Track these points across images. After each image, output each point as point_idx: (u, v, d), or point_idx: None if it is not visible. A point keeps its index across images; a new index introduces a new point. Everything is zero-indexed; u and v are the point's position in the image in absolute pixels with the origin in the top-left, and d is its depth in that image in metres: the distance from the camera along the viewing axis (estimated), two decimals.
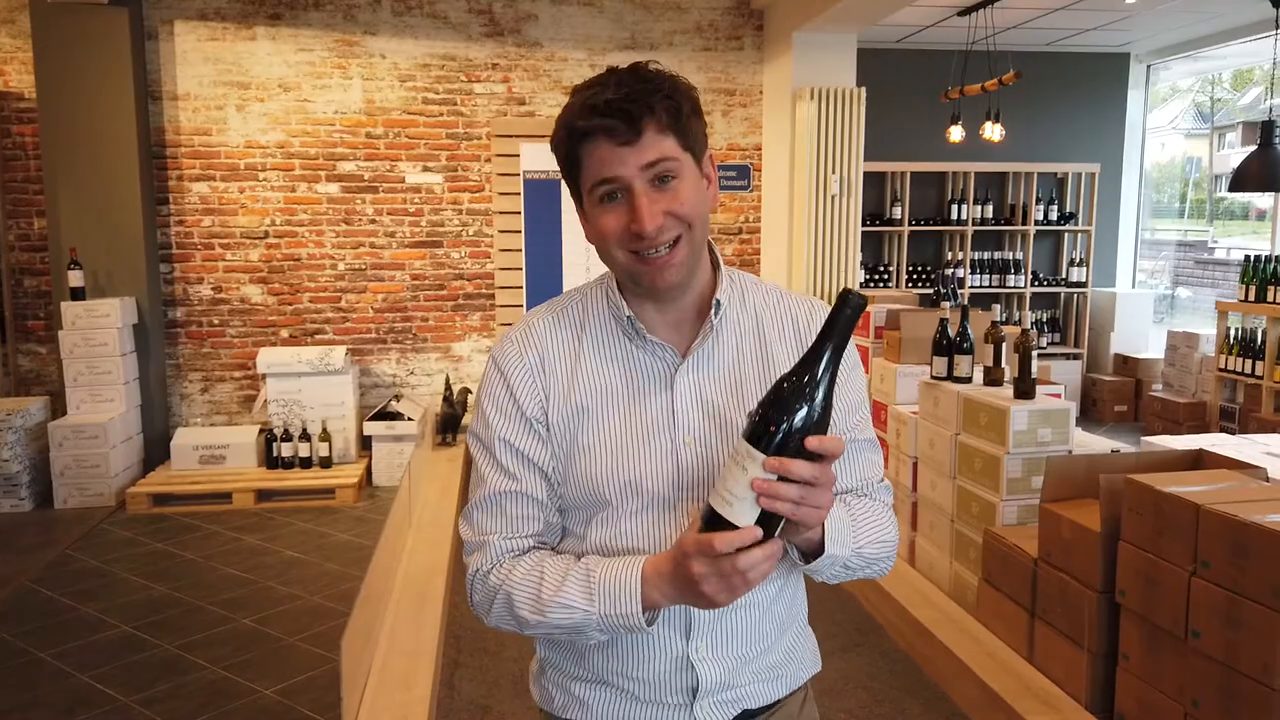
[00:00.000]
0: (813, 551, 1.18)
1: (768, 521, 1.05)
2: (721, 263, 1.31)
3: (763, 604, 1.29)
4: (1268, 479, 2.87)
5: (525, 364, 1.26)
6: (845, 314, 1.05)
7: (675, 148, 1.16)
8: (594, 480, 1.23)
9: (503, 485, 1.25)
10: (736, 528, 1.05)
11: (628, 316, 1.25)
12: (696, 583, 1.07)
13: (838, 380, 1.11)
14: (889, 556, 1.29)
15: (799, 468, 1.02)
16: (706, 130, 1.25)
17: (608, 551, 1.24)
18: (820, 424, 1.05)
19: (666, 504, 1.22)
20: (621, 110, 1.12)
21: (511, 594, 1.22)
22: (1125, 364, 7.98)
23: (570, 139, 1.17)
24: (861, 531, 1.24)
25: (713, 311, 1.25)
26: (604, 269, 1.30)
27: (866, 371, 4.82)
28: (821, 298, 6.33)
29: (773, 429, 1.03)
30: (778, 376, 1.08)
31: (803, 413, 1.03)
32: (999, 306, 4.01)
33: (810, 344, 1.07)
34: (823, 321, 1.08)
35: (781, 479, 1.02)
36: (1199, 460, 3.08)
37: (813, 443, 1.03)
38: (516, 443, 1.25)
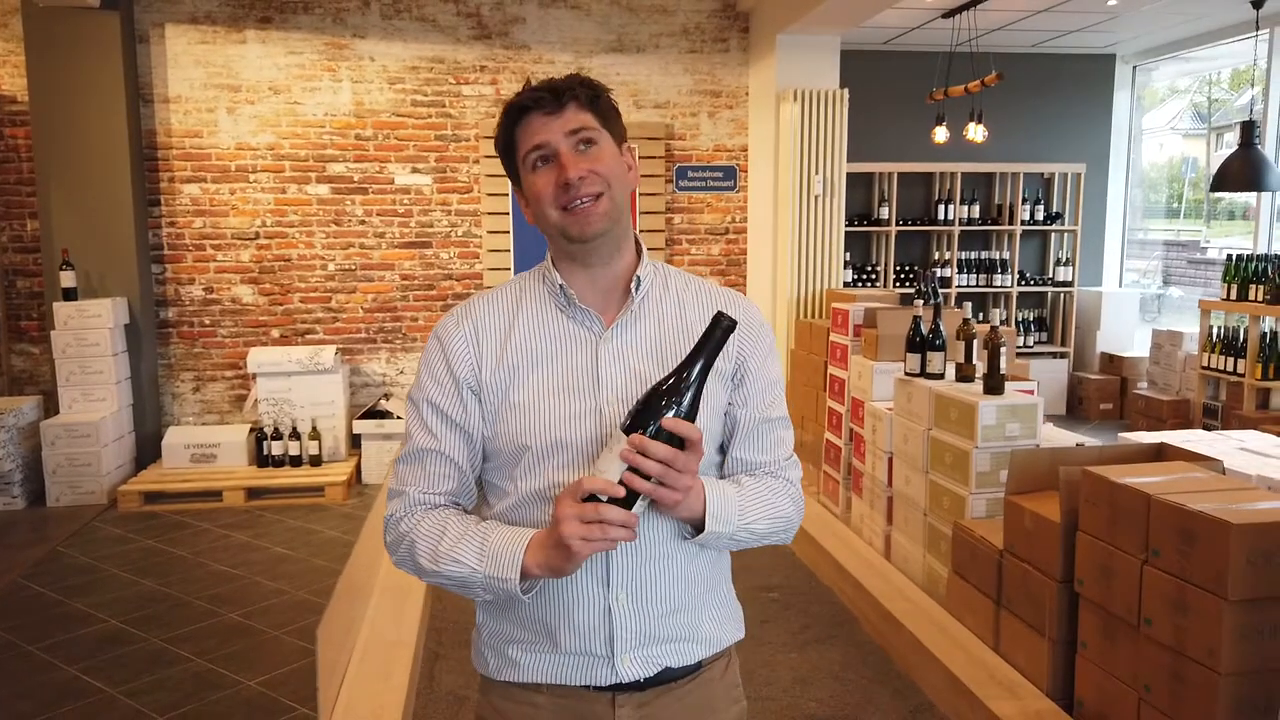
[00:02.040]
0: (698, 526, 1.31)
1: (631, 497, 1.19)
2: (645, 252, 1.44)
3: (680, 560, 1.37)
4: (1223, 471, 2.93)
5: (461, 333, 1.39)
6: (715, 335, 1.22)
7: (594, 122, 1.34)
8: (519, 431, 1.34)
9: (425, 443, 1.38)
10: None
11: (560, 285, 1.38)
12: (559, 523, 1.19)
13: (754, 364, 1.40)
14: (785, 529, 1.42)
15: (657, 448, 1.18)
16: (625, 130, 1.41)
17: (537, 500, 1.35)
18: (687, 420, 1.21)
19: (590, 459, 1.32)
20: (549, 88, 1.33)
21: (416, 542, 1.34)
22: (1111, 362, 8.04)
23: (507, 120, 1.36)
24: (751, 510, 1.35)
25: (633, 286, 1.39)
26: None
27: (845, 369, 4.88)
28: (806, 297, 6.40)
29: (642, 420, 1.19)
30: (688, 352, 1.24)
31: (670, 412, 1.20)
32: (975, 305, 4.07)
33: (687, 353, 1.23)
34: (738, 309, 1.30)
35: (642, 455, 1.17)
36: (1160, 453, 3.15)
37: (669, 423, 1.19)
38: (442, 405, 1.38)
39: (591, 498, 1.19)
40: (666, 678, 1.38)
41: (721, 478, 1.42)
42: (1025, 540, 3.07)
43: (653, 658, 1.36)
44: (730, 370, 1.40)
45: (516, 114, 1.34)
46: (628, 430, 1.20)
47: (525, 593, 1.28)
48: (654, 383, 1.23)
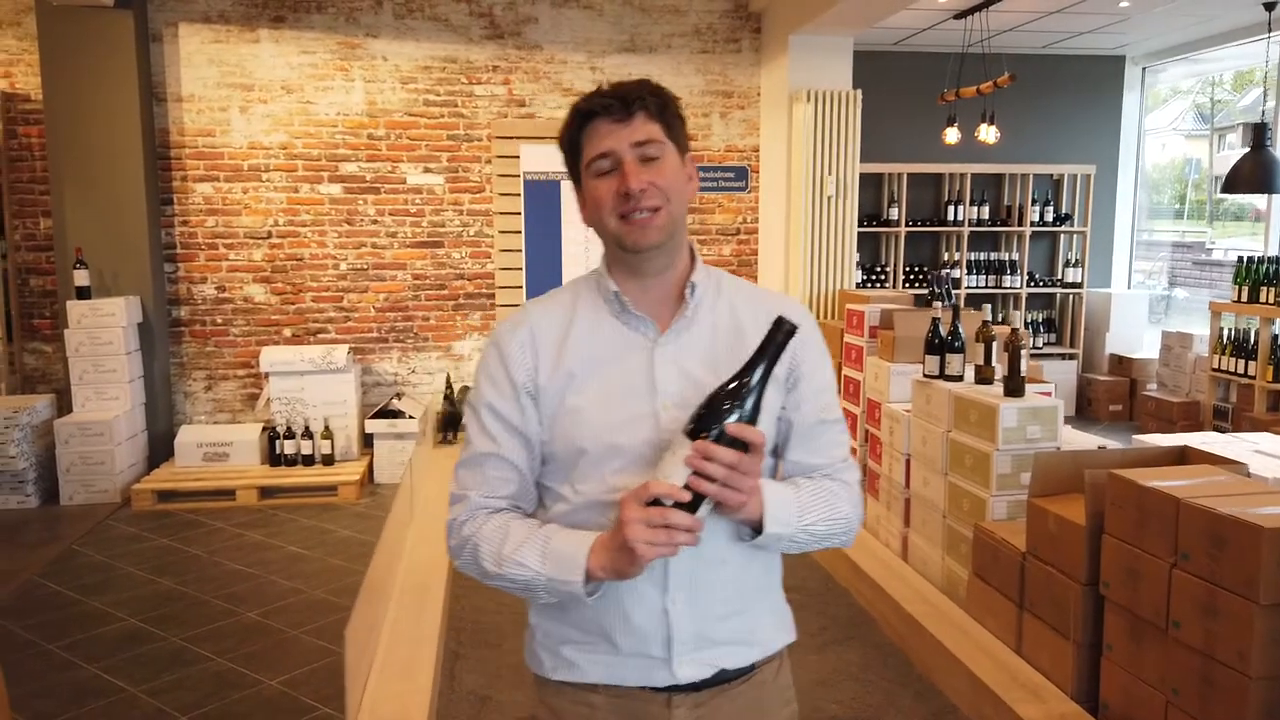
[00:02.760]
0: (757, 529, 1.32)
1: (695, 501, 1.21)
2: (699, 258, 1.46)
3: (736, 564, 1.38)
4: (1249, 474, 2.94)
5: (518, 338, 1.41)
6: (777, 339, 1.25)
7: (660, 134, 1.35)
8: (576, 435, 1.36)
9: (485, 448, 1.40)
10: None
11: (614, 292, 1.39)
12: (624, 526, 1.20)
13: (808, 368, 1.43)
14: (845, 531, 1.42)
15: (722, 452, 1.19)
16: (688, 139, 1.42)
17: (596, 505, 1.35)
18: (749, 424, 1.22)
19: (646, 463, 1.33)
20: (618, 95, 1.34)
21: (479, 545, 1.36)
22: (1120, 364, 8.04)
23: (574, 122, 1.37)
24: (809, 510, 1.37)
25: (688, 291, 1.40)
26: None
27: (860, 370, 4.89)
28: (818, 298, 6.40)
29: (705, 425, 1.21)
30: (749, 357, 1.26)
31: (733, 416, 1.21)
32: (990, 306, 4.07)
33: (750, 354, 1.25)
34: (793, 314, 1.31)
35: (707, 460, 1.19)
36: (1183, 456, 3.15)
37: (733, 428, 1.21)
38: (501, 410, 1.39)
39: (655, 502, 1.20)
40: (722, 679, 1.40)
41: (775, 480, 1.42)
42: (1049, 543, 3.08)
43: (709, 660, 1.38)
44: (784, 374, 1.41)
45: (584, 118, 1.35)
46: (691, 434, 1.21)
47: (589, 595, 1.29)
48: (715, 387, 1.24)
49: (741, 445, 1.21)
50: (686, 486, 1.19)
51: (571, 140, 1.38)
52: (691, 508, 1.20)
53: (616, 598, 1.35)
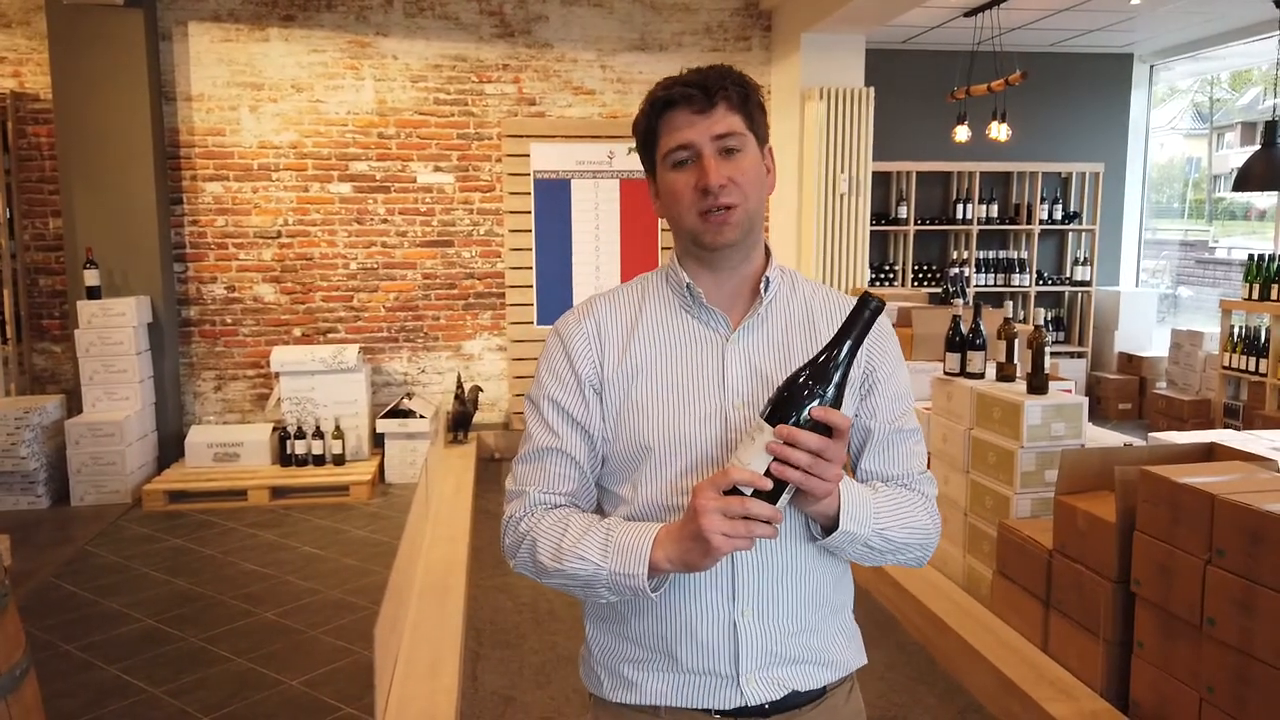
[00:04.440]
0: (830, 527, 1.25)
1: (776, 490, 1.14)
2: (773, 254, 1.40)
3: (807, 574, 1.32)
4: (1279, 471, 2.93)
5: (583, 330, 1.36)
6: (864, 315, 1.17)
7: (742, 126, 1.29)
8: (642, 433, 1.30)
9: (546, 442, 1.34)
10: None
11: (687, 284, 1.34)
12: (698, 515, 1.14)
13: (884, 373, 1.36)
14: (923, 544, 1.34)
15: (807, 438, 1.12)
16: (769, 131, 1.36)
17: (658, 508, 1.30)
18: (833, 407, 1.16)
19: (714, 463, 1.28)
20: (699, 84, 1.27)
21: (537, 540, 1.29)
22: (1129, 362, 8.04)
23: (652, 110, 1.31)
24: (886, 514, 1.29)
25: (762, 286, 1.35)
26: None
27: None
28: None
29: (787, 408, 1.14)
30: (831, 336, 1.19)
31: (816, 399, 1.14)
32: (1011, 303, 4.07)
33: (830, 337, 1.18)
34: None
35: (791, 447, 1.12)
36: (1211, 453, 3.14)
37: (819, 412, 1.13)
38: (564, 403, 1.34)
39: (733, 491, 1.14)
40: (792, 703, 1.33)
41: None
42: (1078, 540, 3.07)
43: (779, 680, 1.31)
44: (859, 379, 1.35)
45: (662, 107, 1.29)
46: (770, 419, 1.14)
47: (654, 590, 1.22)
48: (795, 369, 1.17)
49: (825, 430, 1.14)
50: (768, 474, 1.13)
51: (648, 128, 1.32)
52: (772, 497, 1.14)
53: (681, 609, 1.29)
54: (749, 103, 1.30)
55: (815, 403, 1.14)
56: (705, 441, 1.29)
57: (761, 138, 1.33)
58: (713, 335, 1.34)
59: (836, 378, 1.16)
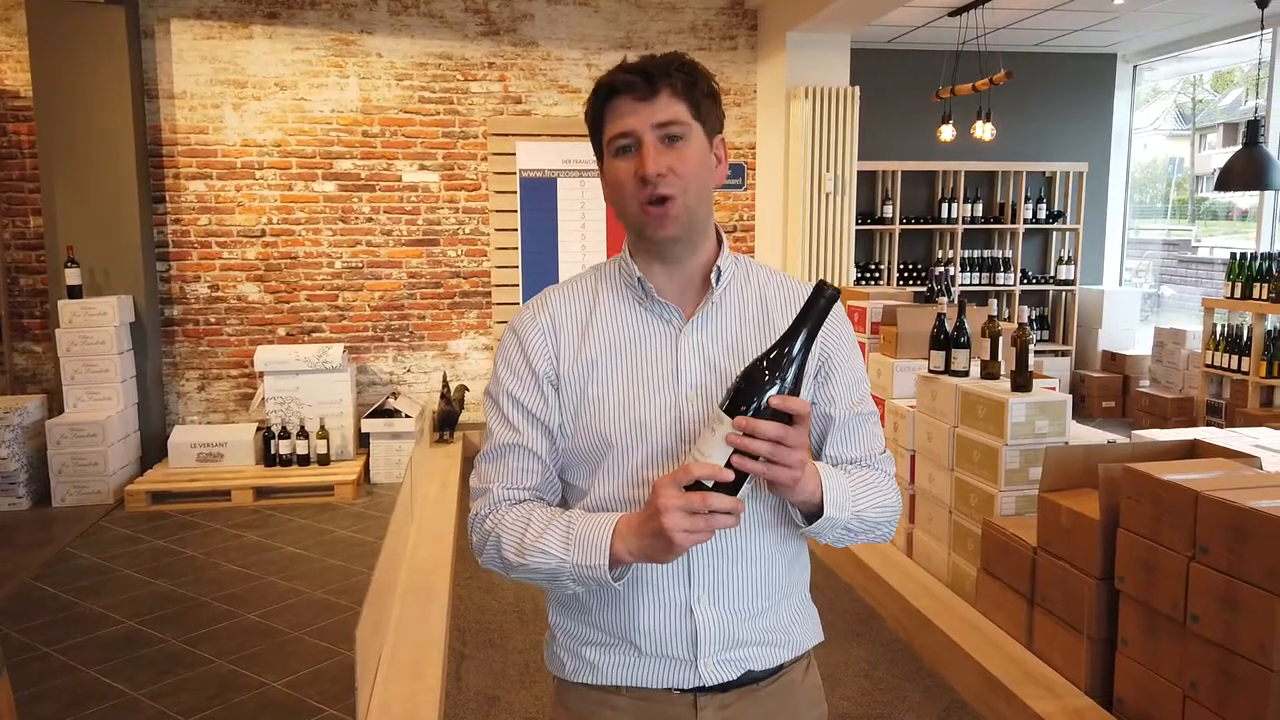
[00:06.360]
0: (812, 514, 1.26)
1: (738, 481, 1.14)
2: (727, 243, 1.40)
3: (762, 559, 1.34)
4: (1261, 468, 2.94)
5: (538, 324, 1.36)
6: (819, 304, 1.16)
7: (686, 114, 1.27)
8: (601, 428, 1.31)
9: (507, 438, 1.35)
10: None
11: (638, 278, 1.34)
12: (660, 514, 1.13)
13: (839, 359, 1.37)
14: (890, 521, 1.37)
15: (766, 427, 1.12)
16: (722, 117, 1.35)
17: (617, 501, 1.31)
18: (792, 396, 1.15)
19: (670, 455, 1.29)
20: (642, 71, 1.26)
21: (501, 536, 1.30)
22: (1113, 360, 8.08)
23: (597, 98, 1.30)
24: (862, 496, 1.31)
25: (713, 277, 1.34)
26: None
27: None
28: None
29: (744, 399, 1.13)
30: (788, 326, 1.19)
31: (774, 388, 1.14)
32: (995, 301, 4.07)
33: (787, 327, 1.18)
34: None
35: (750, 437, 1.12)
36: (1194, 450, 3.15)
37: (777, 400, 1.13)
38: (522, 399, 1.34)
39: (695, 485, 1.13)
40: (749, 680, 1.36)
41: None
42: (1062, 537, 3.07)
43: (736, 660, 1.33)
44: (814, 368, 1.36)
45: (606, 94, 1.28)
46: (729, 411, 1.13)
47: (617, 580, 1.23)
48: (751, 359, 1.17)
49: (785, 418, 1.13)
50: (729, 465, 1.13)
51: (595, 116, 1.31)
52: (733, 488, 1.14)
53: (639, 598, 1.31)
54: (695, 90, 1.28)
55: (773, 390, 1.14)
56: (662, 434, 1.29)
57: (711, 128, 1.31)
58: (666, 328, 1.34)
59: (794, 367, 1.16)
